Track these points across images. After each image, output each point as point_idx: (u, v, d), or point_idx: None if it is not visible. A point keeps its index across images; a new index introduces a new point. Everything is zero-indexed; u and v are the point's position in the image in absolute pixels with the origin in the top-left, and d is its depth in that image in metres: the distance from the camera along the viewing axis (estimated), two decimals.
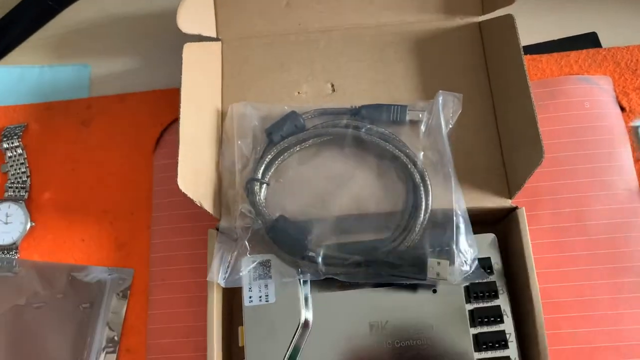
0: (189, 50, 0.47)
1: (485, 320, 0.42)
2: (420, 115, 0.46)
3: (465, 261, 0.42)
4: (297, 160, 0.47)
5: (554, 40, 0.55)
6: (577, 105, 0.51)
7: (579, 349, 0.46)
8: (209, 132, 0.49)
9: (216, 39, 0.52)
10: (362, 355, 0.42)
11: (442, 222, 0.43)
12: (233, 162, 0.47)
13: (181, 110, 0.44)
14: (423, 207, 0.44)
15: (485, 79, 0.49)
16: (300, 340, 0.42)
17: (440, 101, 0.46)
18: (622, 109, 0.51)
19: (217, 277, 0.44)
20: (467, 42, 0.50)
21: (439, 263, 0.41)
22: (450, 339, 0.42)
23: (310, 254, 0.43)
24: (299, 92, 0.51)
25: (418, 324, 0.42)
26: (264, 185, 0.46)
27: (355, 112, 0.47)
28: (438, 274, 0.41)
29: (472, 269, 0.42)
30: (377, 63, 0.51)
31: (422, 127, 0.46)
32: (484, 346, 0.41)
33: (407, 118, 0.47)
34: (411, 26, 0.51)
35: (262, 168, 0.46)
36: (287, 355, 0.42)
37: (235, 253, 0.44)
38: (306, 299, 0.43)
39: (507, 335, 0.42)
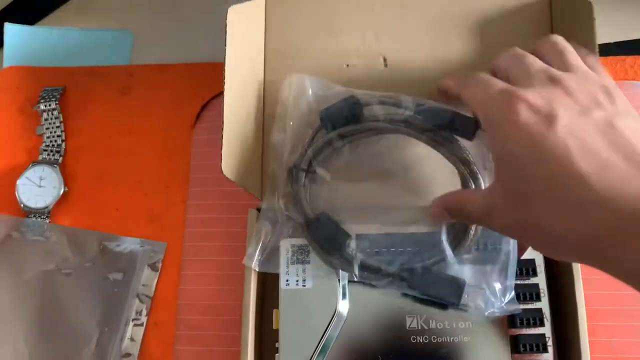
0: (234, 14, 0.43)
1: (526, 322, 0.41)
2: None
3: (503, 293, 0.41)
4: (348, 151, 0.44)
5: (609, 43, 0.54)
6: None
7: (614, 358, 0.45)
8: (252, 108, 0.47)
9: None
10: (396, 350, 0.41)
11: (490, 248, 0.41)
12: (283, 139, 0.45)
13: (225, 86, 0.42)
14: (473, 228, 0.41)
15: None
16: (335, 330, 0.41)
17: None
18: None
19: (253, 260, 0.43)
20: (534, 23, 0.47)
21: (475, 290, 0.40)
22: (487, 339, 0.41)
23: (347, 257, 0.42)
24: (347, 65, 0.48)
25: (455, 321, 0.41)
26: (309, 174, 0.44)
27: (417, 111, 0.42)
28: (473, 302, 0.40)
29: (508, 300, 0.41)
30: (435, 39, 0.47)
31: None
32: (523, 348, 0.41)
33: (474, 136, 0.41)
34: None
35: (310, 155, 0.43)
36: (321, 343, 0.41)
37: (273, 238, 0.44)
38: (344, 289, 0.42)
39: (547, 339, 0.41)
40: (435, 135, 0.41)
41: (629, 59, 0.52)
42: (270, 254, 0.44)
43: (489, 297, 0.40)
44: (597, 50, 0.42)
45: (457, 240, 0.41)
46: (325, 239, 0.42)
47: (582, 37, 0.43)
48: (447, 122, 0.41)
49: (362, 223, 0.43)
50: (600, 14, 0.54)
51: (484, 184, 0.41)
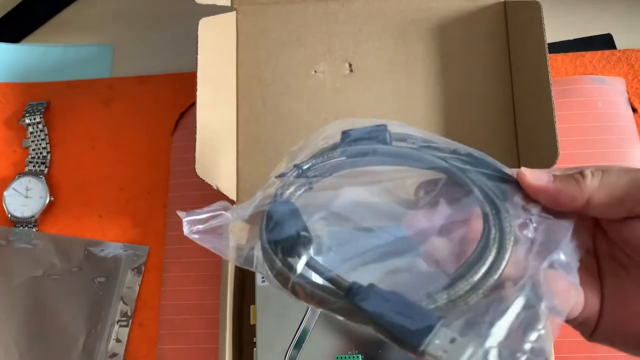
0: (205, 26, 0.46)
1: None
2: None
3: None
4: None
5: (569, 40, 0.56)
6: (590, 105, 0.52)
7: None
8: (225, 113, 0.49)
9: (231, 9, 0.52)
10: (370, 338, 0.43)
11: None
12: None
13: (197, 93, 0.45)
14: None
15: (506, 64, 0.49)
16: (310, 322, 0.43)
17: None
18: (634, 110, 0.52)
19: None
20: (491, 24, 0.50)
21: (453, 340, 0.24)
22: None
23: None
24: (315, 71, 0.50)
25: None
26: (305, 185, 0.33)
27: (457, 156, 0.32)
28: (445, 352, 0.23)
29: None
30: (397, 42, 0.50)
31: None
32: None
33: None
34: (434, 3, 0.50)
35: (312, 164, 0.33)
36: (296, 336, 0.43)
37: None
38: (317, 281, 0.44)
39: None
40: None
41: (588, 55, 0.54)
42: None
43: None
44: (546, 48, 0.44)
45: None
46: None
47: (534, 36, 0.45)
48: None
49: None
50: (559, 12, 0.57)
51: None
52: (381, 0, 0.51)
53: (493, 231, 0.27)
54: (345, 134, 0.34)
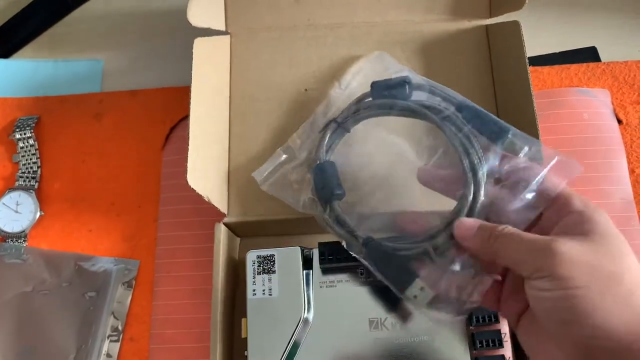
0: (200, 45, 0.48)
1: (482, 319, 0.43)
2: (519, 149, 0.39)
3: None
4: (379, 129, 0.46)
5: (555, 53, 0.57)
6: (576, 117, 0.53)
7: None
8: (218, 128, 0.50)
9: (225, 33, 0.53)
10: (360, 351, 0.43)
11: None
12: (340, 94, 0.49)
13: (191, 106, 0.45)
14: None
15: (490, 82, 0.50)
16: (301, 335, 0.43)
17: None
18: (619, 121, 0.53)
19: (262, 176, 0.47)
20: (474, 44, 0.51)
21: (422, 289, 0.38)
22: (446, 337, 0.43)
23: (333, 206, 0.42)
24: (306, 89, 0.52)
25: (416, 321, 0.43)
26: (342, 130, 0.45)
27: (460, 108, 0.42)
28: (415, 297, 0.38)
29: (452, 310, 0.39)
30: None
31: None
32: (480, 344, 0.43)
33: (503, 143, 0.40)
34: (419, 26, 0.52)
35: (349, 114, 0.45)
36: (287, 349, 0.43)
37: (284, 168, 0.47)
38: (308, 295, 0.44)
39: (503, 335, 0.43)
40: (467, 139, 0.40)
41: (573, 67, 0.55)
42: (278, 181, 0.47)
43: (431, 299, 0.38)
44: (527, 64, 0.45)
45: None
46: (320, 182, 0.43)
47: (515, 52, 0.46)
48: (485, 128, 0.40)
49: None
50: (545, 26, 0.58)
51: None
52: (368, 24, 0.53)
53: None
54: (372, 85, 0.45)
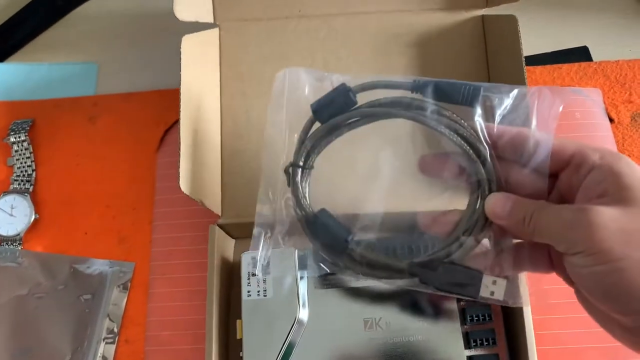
0: (188, 43, 0.47)
1: (476, 318, 0.43)
2: (497, 100, 0.36)
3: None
4: (347, 142, 0.40)
5: (547, 53, 0.57)
6: (568, 115, 0.53)
7: (564, 349, 0.47)
8: (209, 128, 0.50)
9: (214, 25, 0.52)
10: (355, 351, 0.43)
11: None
12: (277, 134, 0.41)
13: (181, 109, 0.45)
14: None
15: (485, 75, 0.50)
16: (296, 335, 0.43)
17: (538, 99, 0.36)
18: (611, 120, 0.53)
19: (256, 267, 0.43)
20: (470, 36, 0.51)
21: (494, 282, 0.37)
22: (441, 336, 0.43)
23: (352, 255, 0.39)
24: None
25: (411, 321, 0.43)
26: (308, 171, 0.40)
27: (418, 87, 0.38)
28: (492, 293, 0.37)
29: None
30: (379, 56, 0.51)
31: (497, 118, 0.36)
32: (474, 343, 0.43)
33: (480, 101, 0.36)
34: (414, 17, 0.51)
35: (306, 151, 0.39)
36: (282, 350, 0.43)
37: (272, 241, 0.41)
38: (303, 296, 0.44)
39: (496, 334, 0.43)
40: (439, 114, 0.37)
41: (565, 67, 0.55)
42: (280, 258, 0.44)
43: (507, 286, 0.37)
44: (523, 59, 0.45)
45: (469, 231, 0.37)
46: (328, 234, 0.39)
47: (511, 46, 0.46)
48: (454, 93, 0.37)
49: (364, 211, 0.40)
50: (538, 27, 0.58)
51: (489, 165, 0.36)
52: (362, 16, 0.52)
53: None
54: (314, 110, 0.39)
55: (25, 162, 0.56)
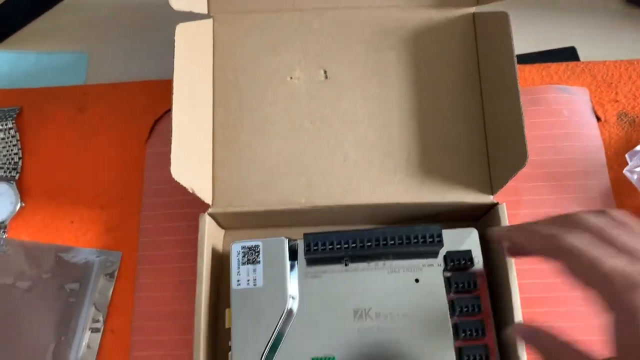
0: (182, 31, 0.47)
1: (465, 309, 0.44)
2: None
3: None
4: None
5: (535, 53, 0.58)
6: (556, 113, 0.54)
7: None
8: (201, 118, 0.50)
9: (208, 16, 0.52)
10: (344, 341, 0.43)
11: None
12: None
13: (174, 96, 0.45)
14: None
15: (475, 72, 0.51)
16: (285, 326, 0.43)
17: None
18: (598, 118, 0.54)
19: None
20: (460, 34, 0.51)
21: None
22: (430, 326, 0.43)
23: None
24: (291, 78, 0.51)
25: (400, 311, 0.43)
26: None
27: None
28: None
29: None
30: (369, 50, 0.51)
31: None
32: (463, 334, 0.43)
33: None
34: (405, 13, 0.52)
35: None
36: (271, 340, 0.43)
37: None
38: (292, 286, 0.44)
39: (485, 325, 0.43)
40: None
41: (553, 66, 0.56)
42: None
43: None
44: (514, 55, 0.45)
45: None
46: None
47: (502, 43, 0.47)
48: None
49: None
50: (526, 26, 0.59)
51: None
52: (354, 11, 0.52)
53: None
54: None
55: (12, 150, 0.55)
